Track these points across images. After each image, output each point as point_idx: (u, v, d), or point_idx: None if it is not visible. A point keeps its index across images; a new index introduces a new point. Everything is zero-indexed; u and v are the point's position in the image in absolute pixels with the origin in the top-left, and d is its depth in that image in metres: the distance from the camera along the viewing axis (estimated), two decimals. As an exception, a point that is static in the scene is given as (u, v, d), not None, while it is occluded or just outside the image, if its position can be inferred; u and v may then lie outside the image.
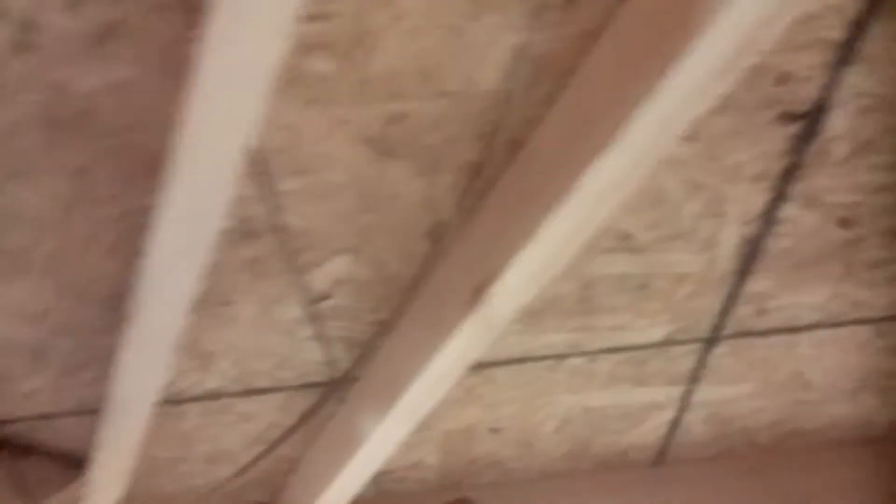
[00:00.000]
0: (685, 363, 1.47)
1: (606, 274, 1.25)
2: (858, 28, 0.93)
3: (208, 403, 1.42)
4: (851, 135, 1.07)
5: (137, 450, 1.33)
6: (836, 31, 0.93)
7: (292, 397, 1.44)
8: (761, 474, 1.71)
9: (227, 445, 1.55)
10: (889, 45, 0.95)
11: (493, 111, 0.97)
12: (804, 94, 1.00)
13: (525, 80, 0.94)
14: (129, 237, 1.06)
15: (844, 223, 1.20)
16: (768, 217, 1.17)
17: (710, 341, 1.42)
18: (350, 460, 1.40)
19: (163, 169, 0.83)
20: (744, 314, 1.36)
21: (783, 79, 0.98)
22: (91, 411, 1.37)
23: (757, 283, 1.29)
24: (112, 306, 1.16)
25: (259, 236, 1.11)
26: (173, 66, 0.84)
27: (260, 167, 1.01)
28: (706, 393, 1.54)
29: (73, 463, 1.46)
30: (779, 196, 1.14)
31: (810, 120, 1.04)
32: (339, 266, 1.18)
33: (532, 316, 1.31)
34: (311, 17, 0.84)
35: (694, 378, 1.51)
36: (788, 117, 1.03)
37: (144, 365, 1.11)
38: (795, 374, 1.51)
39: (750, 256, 1.24)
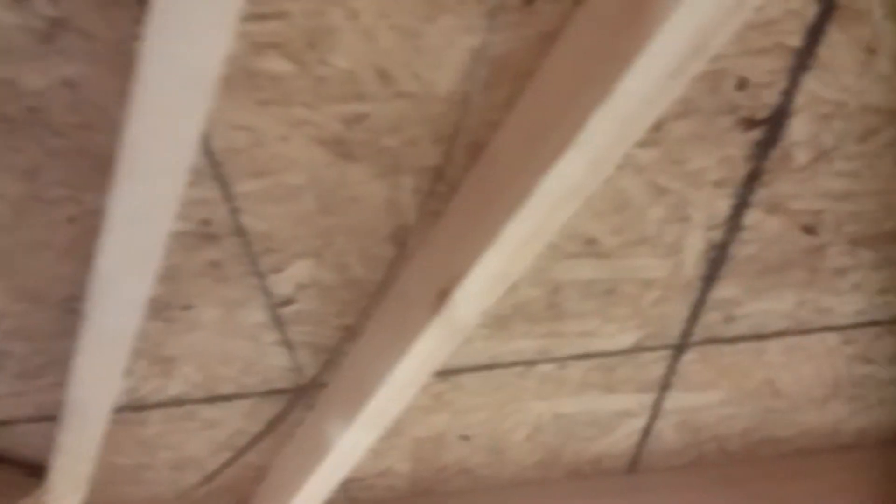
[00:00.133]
0: (655, 370, 1.46)
1: (573, 279, 1.24)
2: (816, 33, 0.93)
3: (172, 410, 1.40)
4: (813, 141, 1.06)
5: (97, 456, 1.31)
6: (794, 37, 0.93)
7: (258, 404, 1.42)
8: (734, 482, 1.71)
9: (192, 452, 1.53)
10: (846, 51, 0.95)
11: (453, 113, 0.96)
12: (764, 100, 1.00)
13: (483, 81, 0.93)
14: (83, 239, 1.04)
15: (809, 230, 1.20)
16: (733, 223, 1.17)
17: (680, 348, 1.41)
18: (318, 467, 1.39)
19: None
20: (712, 321, 1.35)
21: (742, 84, 0.98)
22: (50, 417, 1.35)
23: (724, 290, 1.29)
24: (68, 309, 1.14)
25: (219, 239, 1.10)
26: (124, 64, 0.83)
27: (217, 169, 1.00)
28: (677, 400, 1.54)
29: (34, 470, 1.44)
30: (742, 202, 1.14)
31: (771, 125, 1.03)
32: (301, 270, 1.17)
33: (500, 321, 1.30)
34: (264, 16, 0.83)
35: (665, 385, 1.50)
36: (749, 123, 1.02)
37: (100, 369, 1.09)
38: (765, 381, 1.51)
39: (716, 262, 1.24)
